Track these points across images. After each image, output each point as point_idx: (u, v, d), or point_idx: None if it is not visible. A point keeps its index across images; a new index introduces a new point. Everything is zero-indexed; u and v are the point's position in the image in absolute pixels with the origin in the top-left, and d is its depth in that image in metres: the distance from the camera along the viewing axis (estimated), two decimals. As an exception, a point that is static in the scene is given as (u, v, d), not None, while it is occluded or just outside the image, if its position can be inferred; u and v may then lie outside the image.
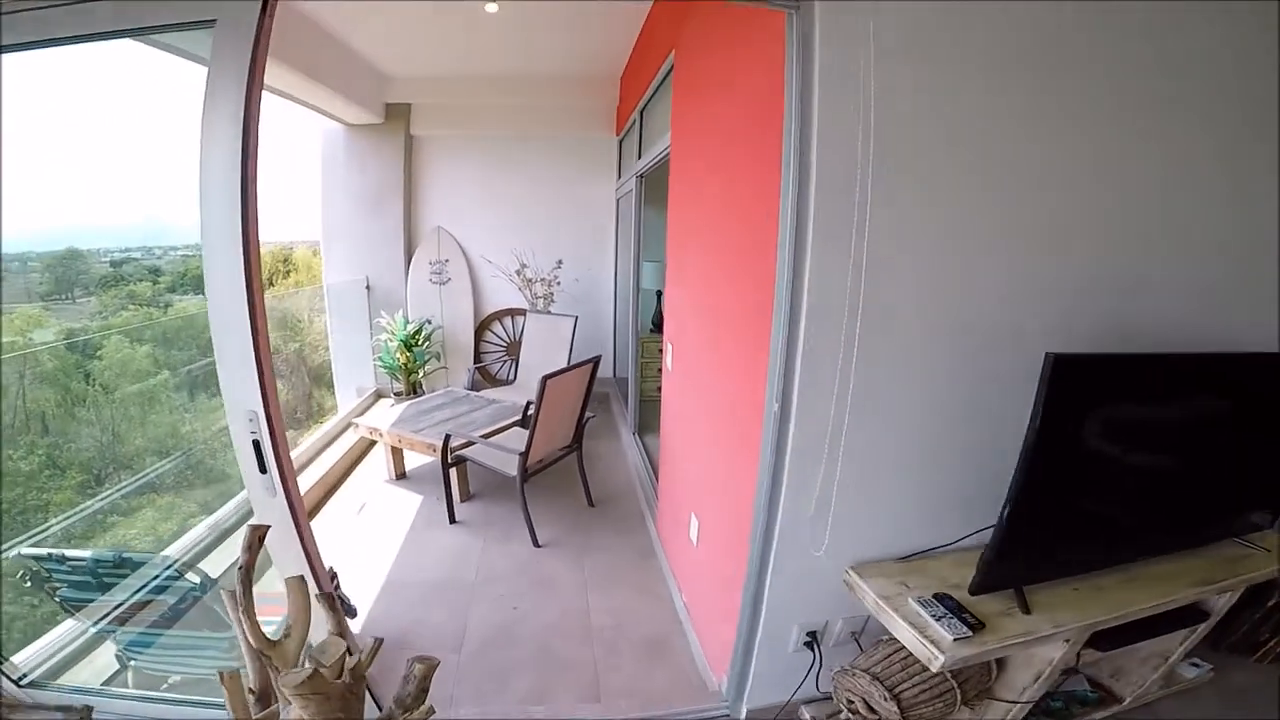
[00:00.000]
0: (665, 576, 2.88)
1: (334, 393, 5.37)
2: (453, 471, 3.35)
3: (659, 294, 5.27)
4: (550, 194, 5.43)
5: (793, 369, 1.55)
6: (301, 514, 1.68)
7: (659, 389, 5.41)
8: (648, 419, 4.71)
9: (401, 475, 3.90)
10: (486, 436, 3.54)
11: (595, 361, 3.31)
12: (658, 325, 5.31)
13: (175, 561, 2.40)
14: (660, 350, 5.19)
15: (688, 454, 2.50)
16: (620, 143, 5.28)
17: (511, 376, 5.07)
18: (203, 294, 1.47)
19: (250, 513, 1.69)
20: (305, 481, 3.62)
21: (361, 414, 4.88)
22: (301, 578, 1.21)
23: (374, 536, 3.27)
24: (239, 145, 1.35)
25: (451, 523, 3.36)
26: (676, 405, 2.67)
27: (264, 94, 1.43)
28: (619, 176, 5.34)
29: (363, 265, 5.23)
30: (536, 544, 3.16)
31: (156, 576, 2.06)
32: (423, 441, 3.48)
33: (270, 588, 1.76)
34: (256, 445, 1.55)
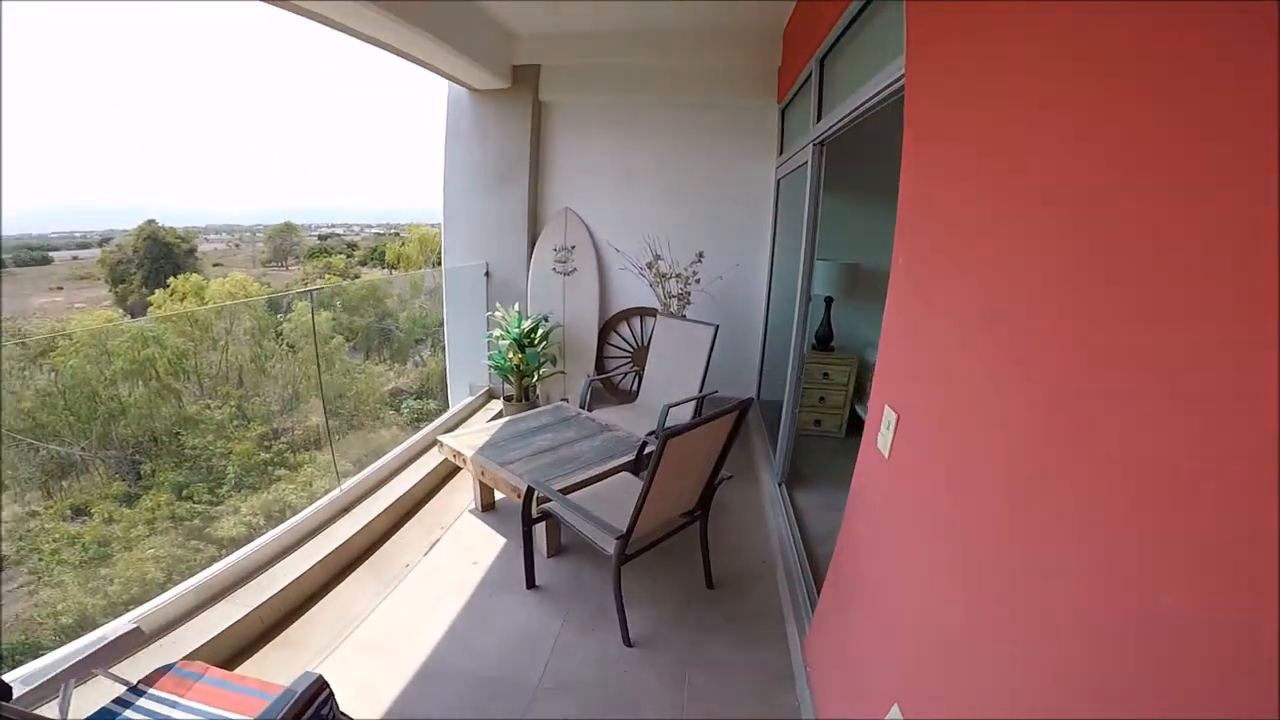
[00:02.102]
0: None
1: (445, 389, 4.93)
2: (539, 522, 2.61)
3: (828, 301, 4.18)
4: (694, 172, 4.53)
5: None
6: None
7: (817, 422, 4.47)
8: (803, 465, 3.68)
9: (489, 506, 3.24)
10: (588, 482, 2.75)
11: (742, 410, 2.36)
12: (821, 342, 4.22)
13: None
14: (846, 383, 4.17)
15: (910, 601, 1.42)
16: (784, 111, 4.23)
17: (636, 388, 4.28)
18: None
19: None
20: (377, 505, 3.08)
21: (467, 418, 4.36)
22: None
23: (430, 591, 2.63)
24: None
25: (529, 587, 2.63)
26: (891, 516, 1.57)
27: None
28: (780, 153, 4.30)
29: (484, 249, 4.68)
30: (628, 642, 2.32)
31: None
32: (507, 481, 2.77)
33: None
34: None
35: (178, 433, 15.05)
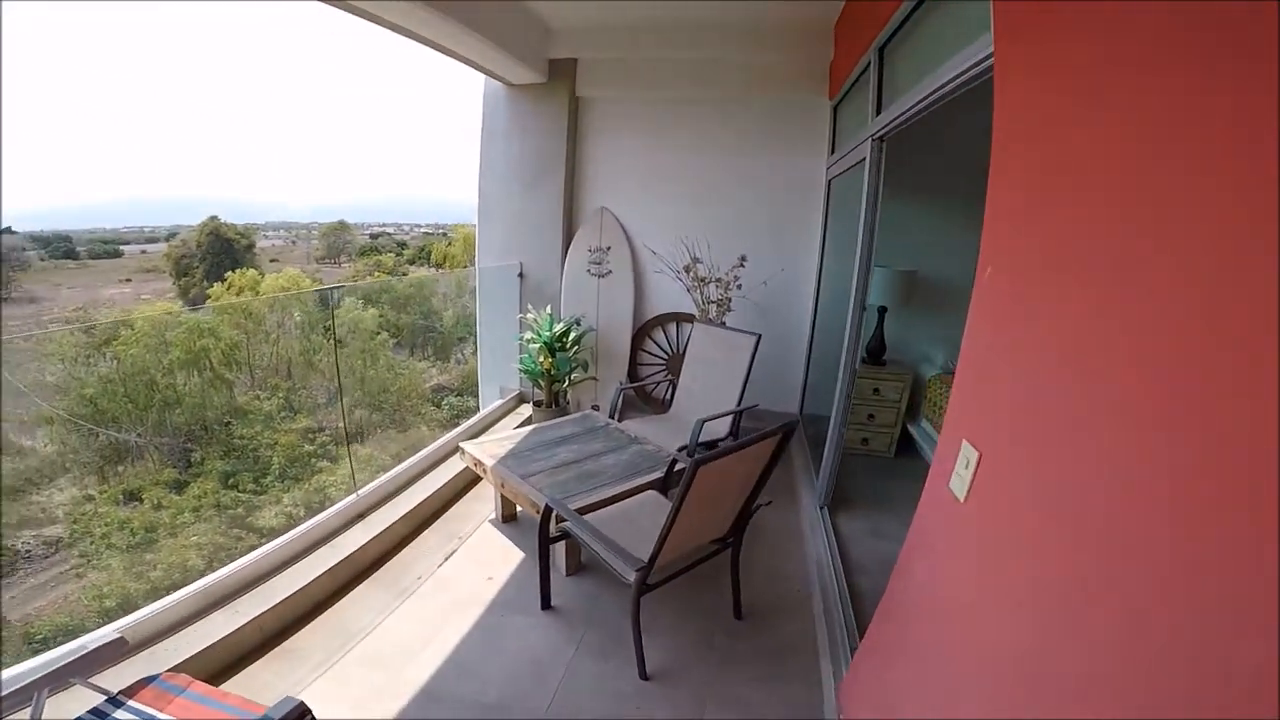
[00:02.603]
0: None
1: (477, 391, 4.82)
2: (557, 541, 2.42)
3: (881, 311, 3.88)
4: (737, 171, 4.30)
5: None
6: None
7: (864, 441, 4.18)
8: (848, 487, 3.40)
9: (510, 517, 3.07)
10: (612, 500, 2.55)
11: (785, 434, 2.13)
12: (872, 355, 3.93)
13: None
14: (899, 400, 3.90)
15: (979, 668, 1.18)
16: (835, 108, 3.97)
17: (669, 398, 4.06)
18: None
19: None
20: (395, 511, 2.95)
21: (496, 421, 4.22)
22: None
23: (440, 606, 2.47)
24: None
25: (544, 608, 2.44)
26: (963, 568, 1.31)
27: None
28: (831, 151, 4.03)
29: (519, 249, 4.55)
30: (644, 674, 2.11)
31: None
32: (526, 496, 2.59)
33: None
34: None
35: (228, 422, 15.50)
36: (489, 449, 2.99)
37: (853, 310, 2.92)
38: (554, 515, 2.29)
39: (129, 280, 34.20)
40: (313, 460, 14.10)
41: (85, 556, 10.79)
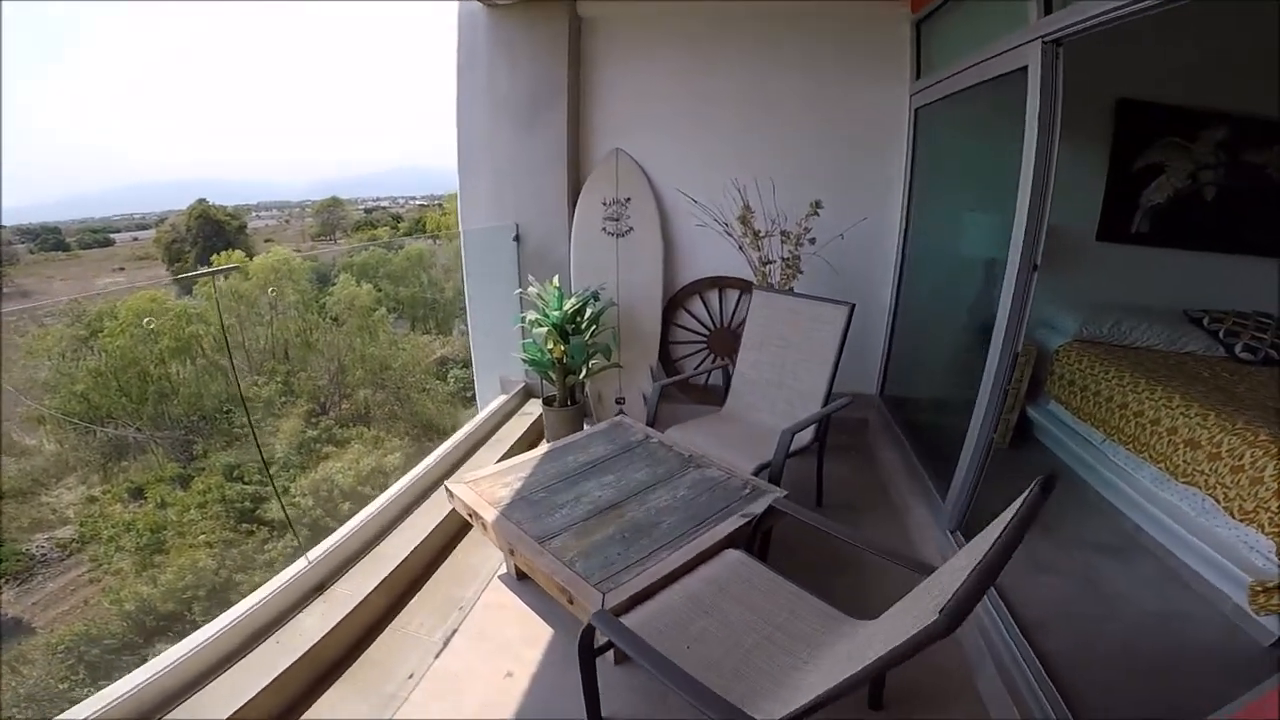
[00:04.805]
0: None
1: (473, 389, 3.93)
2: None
3: (989, 267, 2.90)
4: (791, 101, 3.33)
5: None
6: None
7: (1009, 441, 3.15)
8: (992, 501, 2.48)
9: (525, 574, 2.21)
10: (676, 574, 1.68)
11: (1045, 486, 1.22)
12: (983, 325, 2.98)
13: None
14: (1019, 379, 2.98)
15: None
16: (919, 24, 3.02)
17: (719, 387, 3.15)
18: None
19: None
20: (364, 578, 2.09)
21: (499, 426, 3.34)
22: None
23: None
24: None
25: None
26: None
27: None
28: (916, 76, 3.07)
29: (512, 206, 3.59)
30: None
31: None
32: (551, 578, 1.72)
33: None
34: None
35: (228, 410, 14.87)
36: (487, 490, 2.10)
37: (1019, 272, 2.08)
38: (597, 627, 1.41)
39: (122, 269, 33.31)
40: (317, 445, 13.49)
41: (96, 561, 10.31)
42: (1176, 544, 2.25)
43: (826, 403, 2.56)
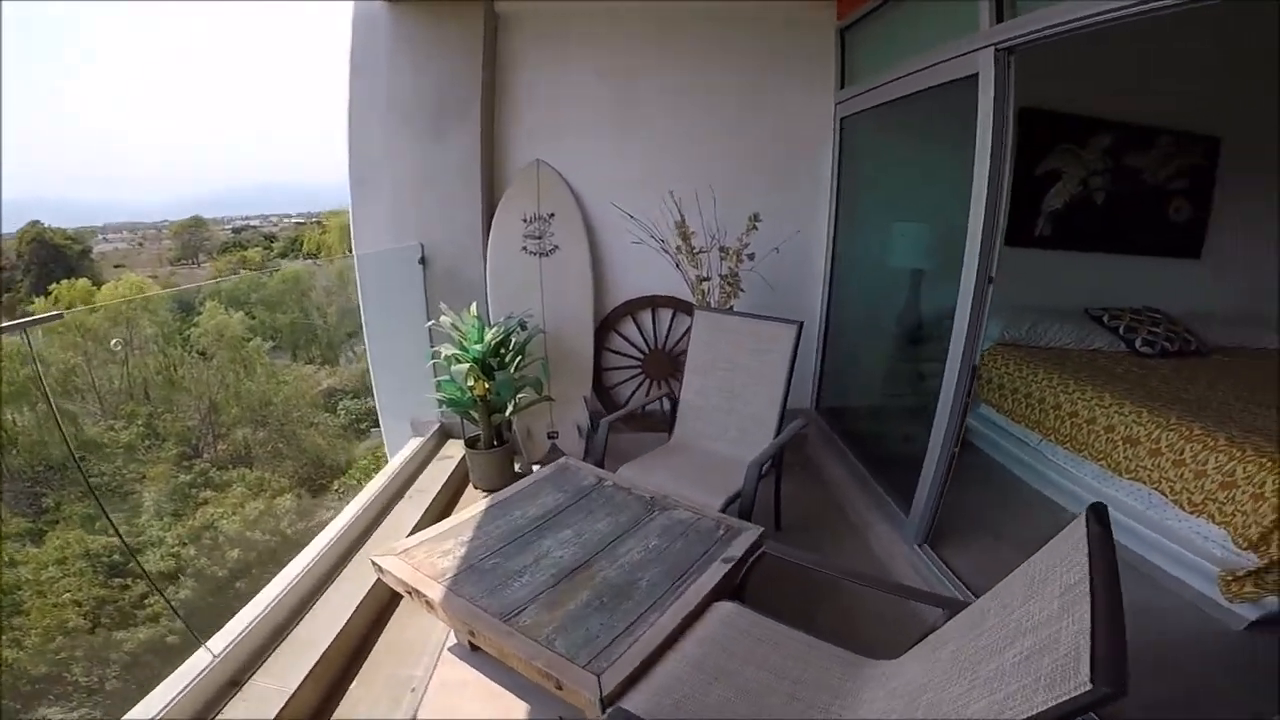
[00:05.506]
0: None
1: (379, 430, 3.49)
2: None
3: (917, 277, 2.89)
4: (724, 108, 3.22)
5: None
6: None
7: (907, 438, 3.16)
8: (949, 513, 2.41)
9: (476, 644, 1.88)
10: (667, 645, 1.45)
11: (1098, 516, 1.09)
12: (912, 333, 2.98)
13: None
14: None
15: None
16: (843, 33, 3.01)
17: (656, 410, 2.94)
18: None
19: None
20: (297, 658, 1.69)
21: (415, 475, 2.95)
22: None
23: None
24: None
25: None
26: None
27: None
28: (840, 85, 3.05)
29: (418, 224, 3.21)
30: None
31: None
32: (529, 662, 1.44)
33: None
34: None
35: (82, 457, 13.07)
36: (424, 561, 1.77)
37: (975, 284, 2.00)
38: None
39: (-62, 306, 28.46)
40: (193, 490, 12.08)
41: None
42: (1129, 538, 2.29)
43: (780, 425, 2.44)
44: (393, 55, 3.08)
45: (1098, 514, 1.18)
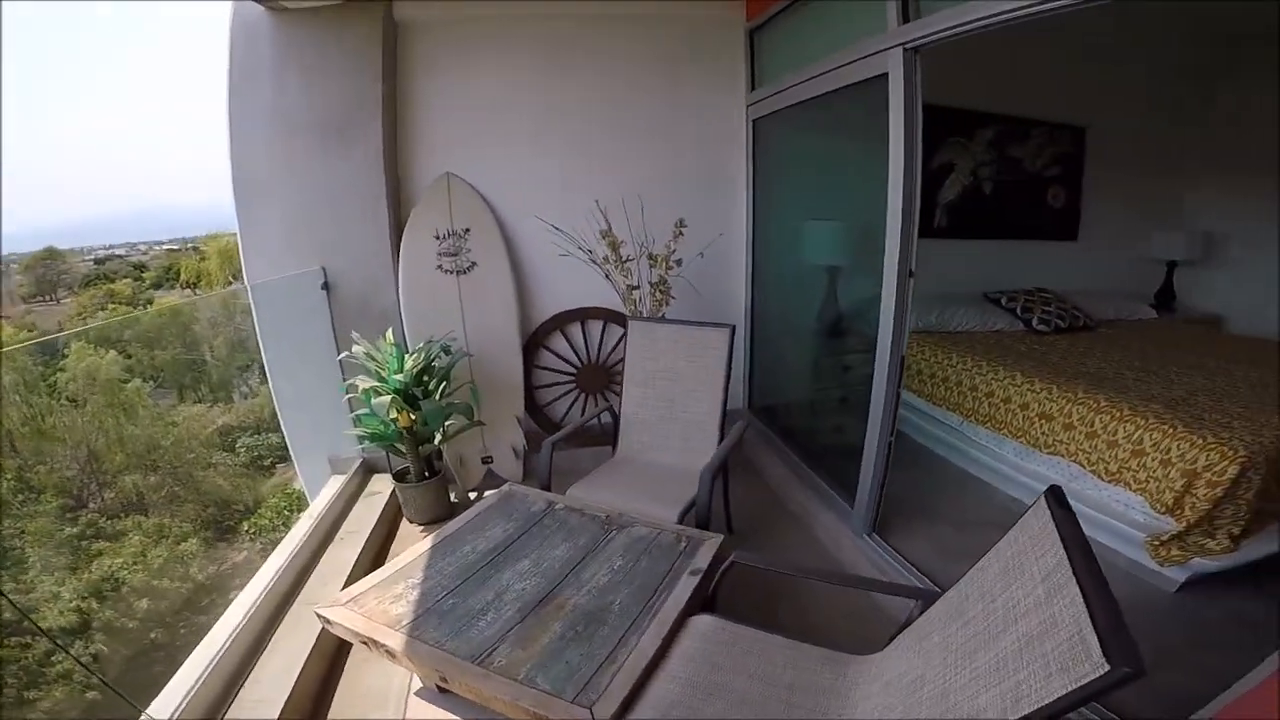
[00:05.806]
0: None
1: (293, 470, 3.18)
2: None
3: (833, 273, 2.97)
4: (639, 111, 3.18)
5: None
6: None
7: (838, 429, 3.19)
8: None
9: (446, 686, 1.71)
10: (651, 667, 1.37)
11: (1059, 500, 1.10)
12: (832, 327, 3.06)
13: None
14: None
15: None
16: (752, 34, 3.07)
17: (595, 424, 2.85)
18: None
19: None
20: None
21: (340, 518, 2.70)
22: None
23: None
24: None
25: None
26: None
27: None
28: (751, 87, 3.10)
29: (319, 246, 2.96)
30: None
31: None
32: (510, 701, 1.34)
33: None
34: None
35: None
36: (375, 609, 1.59)
37: (898, 279, 2.10)
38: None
39: None
40: (86, 544, 10.80)
41: None
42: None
43: (723, 429, 2.43)
44: (279, 67, 2.82)
45: (1057, 496, 1.22)
